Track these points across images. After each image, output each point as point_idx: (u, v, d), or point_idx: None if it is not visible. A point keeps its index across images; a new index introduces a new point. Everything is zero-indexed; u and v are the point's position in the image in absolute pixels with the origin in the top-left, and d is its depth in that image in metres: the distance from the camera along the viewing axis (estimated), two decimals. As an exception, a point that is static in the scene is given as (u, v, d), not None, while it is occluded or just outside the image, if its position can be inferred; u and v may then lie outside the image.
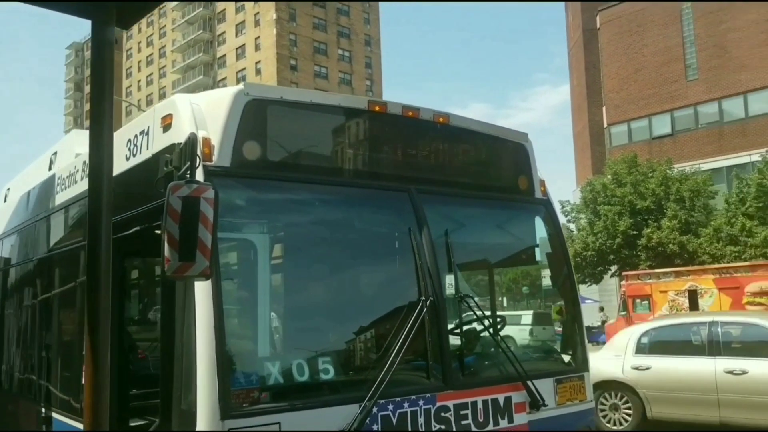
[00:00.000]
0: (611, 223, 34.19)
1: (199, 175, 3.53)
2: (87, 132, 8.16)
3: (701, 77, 41.96)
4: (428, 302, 4.14)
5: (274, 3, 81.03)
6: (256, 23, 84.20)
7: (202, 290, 3.55)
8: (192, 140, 3.51)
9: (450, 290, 4.52)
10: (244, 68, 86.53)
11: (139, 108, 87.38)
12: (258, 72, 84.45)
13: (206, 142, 3.79)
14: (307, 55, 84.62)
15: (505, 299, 6.90)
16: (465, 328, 4.74)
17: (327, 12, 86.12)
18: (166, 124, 4.12)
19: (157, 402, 3.90)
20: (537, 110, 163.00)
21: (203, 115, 3.93)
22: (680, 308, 26.16)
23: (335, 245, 4.55)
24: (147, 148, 4.36)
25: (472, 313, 4.63)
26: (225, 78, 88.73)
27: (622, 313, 27.60)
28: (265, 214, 4.30)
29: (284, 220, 4.41)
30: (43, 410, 5.67)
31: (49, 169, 6.74)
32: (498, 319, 5.11)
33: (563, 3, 65.86)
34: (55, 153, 6.93)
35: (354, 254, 4.64)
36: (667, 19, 43.84)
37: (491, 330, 4.70)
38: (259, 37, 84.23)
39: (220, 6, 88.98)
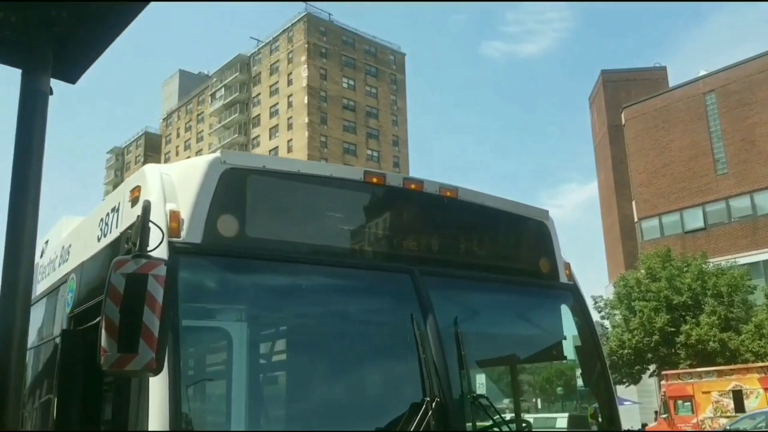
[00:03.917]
0: (647, 319, 33.11)
1: (162, 253, 3.09)
2: (76, 219, 7.40)
3: (731, 171, 41.70)
4: (434, 403, 3.52)
5: (306, 106, 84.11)
6: (289, 126, 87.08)
7: (158, 390, 2.99)
8: (145, 208, 3.04)
9: (460, 390, 3.83)
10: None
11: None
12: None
13: (174, 215, 3.37)
14: (337, 155, 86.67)
15: (530, 400, 6.18)
16: None
17: (357, 114, 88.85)
18: (134, 197, 3.69)
19: None
20: (565, 207, 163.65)
21: (173, 186, 3.53)
22: (725, 410, 24.80)
23: (325, 337, 3.95)
24: (116, 226, 3.93)
25: (488, 417, 3.90)
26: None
27: (664, 415, 26.27)
28: (242, 300, 3.74)
29: (265, 307, 3.84)
30: None
31: (41, 256, 6.24)
32: (523, 424, 4.50)
33: (587, 102, 67.15)
34: (47, 241, 6.43)
35: (348, 347, 4.00)
36: (693, 115, 44.17)
37: None
38: (291, 139, 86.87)
39: (255, 111, 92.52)
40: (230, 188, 3.52)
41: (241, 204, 3.56)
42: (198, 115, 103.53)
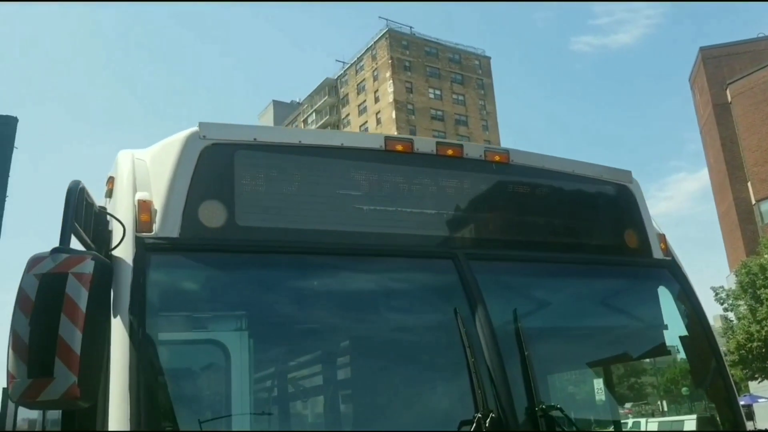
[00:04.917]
0: (776, 307, 30.40)
1: (125, 251, 2.68)
2: None
3: None
4: (488, 420, 2.79)
5: (394, 121, 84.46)
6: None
7: (118, 423, 2.37)
8: (69, 192, 2.59)
9: (525, 401, 3.03)
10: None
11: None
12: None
13: (144, 206, 2.86)
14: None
15: (624, 408, 5.13)
16: None
17: (446, 124, 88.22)
18: (109, 189, 3.19)
19: None
20: (676, 198, 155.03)
21: (147, 172, 3.04)
22: None
23: (349, 343, 3.28)
24: None
25: None
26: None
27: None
28: (236, 302, 3.11)
29: (268, 310, 3.14)
30: None
31: None
32: None
33: (687, 83, 63.42)
34: None
35: (376, 353, 3.25)
36: (807, 82, 40.62)
37: None
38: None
39: (346, 131, 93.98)
40: (213, 168, 2.97)
41: (228, 187, 2.98)
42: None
